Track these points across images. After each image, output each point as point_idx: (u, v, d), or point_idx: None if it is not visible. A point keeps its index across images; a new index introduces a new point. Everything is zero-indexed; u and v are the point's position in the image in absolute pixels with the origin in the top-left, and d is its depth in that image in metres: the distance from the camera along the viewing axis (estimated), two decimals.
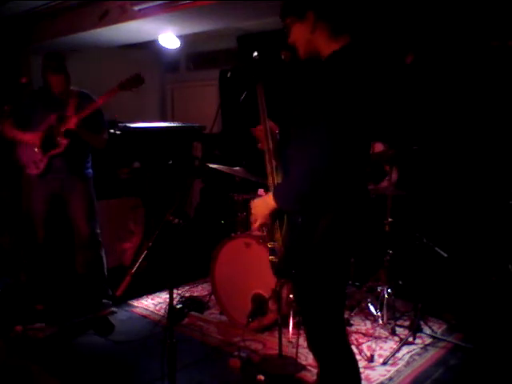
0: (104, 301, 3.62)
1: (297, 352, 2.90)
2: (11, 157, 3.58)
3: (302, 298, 1.94)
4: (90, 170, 3.61)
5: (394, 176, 3.54)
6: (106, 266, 3.65)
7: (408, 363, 2.98)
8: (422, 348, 3.16)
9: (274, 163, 2.00)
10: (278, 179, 1.98)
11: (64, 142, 3.33)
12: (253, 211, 1.93)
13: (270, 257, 1.91)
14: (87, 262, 3.57)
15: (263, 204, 1.89)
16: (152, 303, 3.95)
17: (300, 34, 1.86)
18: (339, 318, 1.94)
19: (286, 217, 1.88)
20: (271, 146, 2.01)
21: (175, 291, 3.92)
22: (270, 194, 1.86)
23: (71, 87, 3.49)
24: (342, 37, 1.82)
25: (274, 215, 1.88)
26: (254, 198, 3.88)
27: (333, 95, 1.68)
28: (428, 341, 3.25)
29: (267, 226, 1.92)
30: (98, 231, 3.61)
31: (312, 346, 1.97)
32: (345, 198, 1.78)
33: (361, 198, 1.85)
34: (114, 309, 3.64)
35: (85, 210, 3.51)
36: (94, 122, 3.43)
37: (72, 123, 3.26)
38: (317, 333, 1.92)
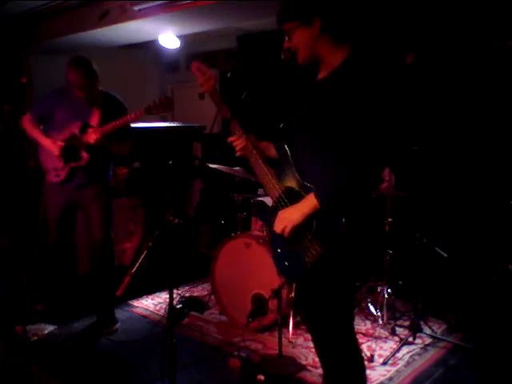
0: (115, 319, 3.53)
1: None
2: (10, 157, 3.57)
3: (312, 303, 1.91)
4: (111, 173, 3.52)
5: (393, 176, 3.54)
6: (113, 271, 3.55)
7: (408, 363, 2.98)
8: (421, 348, 3.16)
9: (268, 170, 2.00)
10: (281, 185, 1.95)
11: (86, 156, 3.23)
12: (281, 226, 1.86)
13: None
14: (97, 265, 3.47)
15: (295, 211, 1.83)
16: (152, 303, 3.95)
17: (303, 40, 1.86)
18: (350, 320, 1.95)
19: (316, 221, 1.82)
20: (257, 156, 2.04)
21: (175, 291, 3.92)
22: (307, 198, 1.81)
23: (99, 88, 3.32)
24: (344, 44, 1.85)
25: (308, 225, 1.83)
26: (254, 197, 3.90)
27: (367, 101, 1.72)
28: (428, 341, 3.25)
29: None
30: (113, 237, 3.51)
31: (321, 349, 1.96)
32: (357, 201, 1.80)
33: (369, 200, 1.88)
34: (117, 326, 3.51)
35: (102, 217, 3.41)
36: (121, 132, 3.28)
37: (93, 138, 3.13)
38: (328, 336, 1.91)
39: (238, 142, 2.11)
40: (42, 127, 3.40)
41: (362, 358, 1.99)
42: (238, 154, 2.14)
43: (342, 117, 1.76)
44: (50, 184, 3.39)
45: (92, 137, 3.14)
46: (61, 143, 3.25)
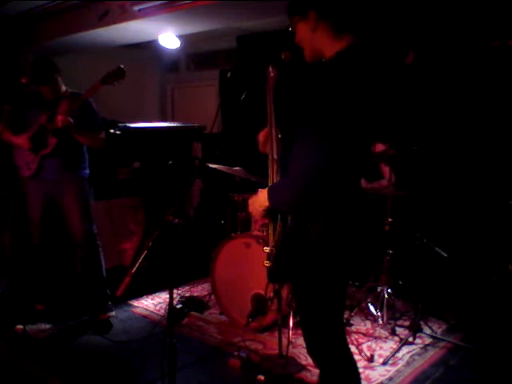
0: (109, 303, 3.59)
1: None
2: (10, 158, 3.57)
3: (300, 300, 1.92)
4: (86, 171, 3.55)
5: (394, 176, 3.54)
6: (104, 266, 3.61)
7: (408, 363, 2.98)
8: (422, 348, 3.16)
9: (275, 168, 2.00)
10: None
11: (52, 141, 3.30)
12: (249, 208, 1.93)
13: (266, 261, 1.90)
14: (83, 262, 3.53)
15: (256, 201, 1.88)
16: (152, 303, 3.95)
17: (303, 34, 1.87)
18: (338, 320, 1.93)
19: (279, 218, 1.86)
20: (275, 152, 2.01)
21: (175, 291, 3.92)
22: (264, 191, 1.84)
23: (65, 89, 3.44)
24: (345, 36, 1.82)
25: (272, 217, 1.86)
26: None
27: (337, 95, 1.67)
28: (428, 341, 3.25)
29: (267, 226, 1.91)
30: (95, 231, 3.56)
31: (311, 350, 1.95)
32: (341, 198, 1.77)
33: (357, 197, 1.84)
34: (113, 313, 3.61)
35: (79, 210, 3.45)
36: (87, 120, 3.37)
37: (59, 120, 3.19)
38: (316, 336, 1.90)
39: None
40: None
41: (353, 357, 1.96)
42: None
43: (309, 111, 1.75)
44: (24, 179, 3.46)
45: (58, 118, 3.19)
46: (28, 137, 3.33)
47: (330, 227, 1.76)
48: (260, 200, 1.86)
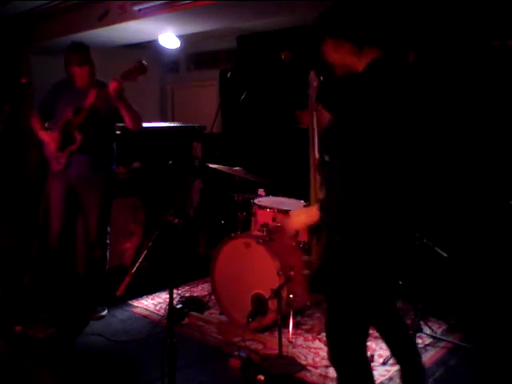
0: (98, 308, 3.62)
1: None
2: (10, 157, 3.58)
3: (332, 312, 1.98)
4: (114, 166, 3.53)
5: None
6: (106, 268, 3.63)
7: None
8: (422, 348, 3.15)
9: (317, 177, 2.08)
10: (321, 194, 2.02)
11: (79, 136, 3.26)
12: (293, 219, 2.01)
13: (305, 270, 1.95)
14: (91, 261, 3.54)
15: (305, 215, 1.96)
16: (152, 303, 3.95)
17: (329, 53, 1.96)
18: (364, 332, 1.98)
19: (324, 234, 1.93)
20: (316, 156, 2.11)
21: (175, 291, 3.92)
22: (314, 208, 1.89)
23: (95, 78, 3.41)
24: (368, 49, 1.87)
25: (314, 230, 1.96)
26: (254, 198, 3.90)
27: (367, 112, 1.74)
28: (428, 341, 3.25)
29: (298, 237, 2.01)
30: (108, 230, 3.56)
31: (334, 358, 2.00)
32: (383, 226, 1.82)
33: (398, 228, 1.88)
34: (105, 312, 3.64)
35: (99, 209, 3.44)
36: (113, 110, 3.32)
37: (111, 90, 3.13)
38: (341, 347, 1.95)
39: None
40: (47, 124, 3.46)
41: (370, 366, 2.02)
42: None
43: (348, 131, 1.79)
44: (53, 173, 3.45)
45: (111, 86, 3.12)
46: (56, 134, 3.31)
47: (365, 253, 1.82)
48: (310, 214, 1.92)
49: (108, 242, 3.59)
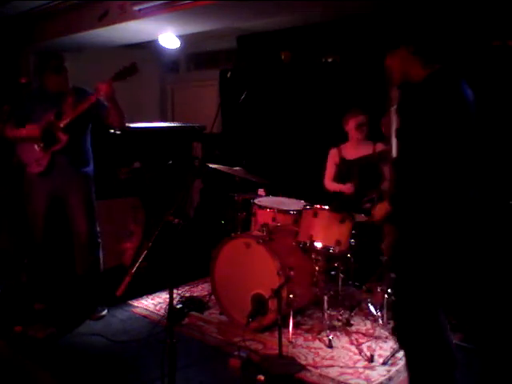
0: (98, 308, 3.62)
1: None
2: (11, 157, 3.57)
3: (400, 290, 2.27)
4: (92, 167, 3.57)
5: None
6: (102, 267, 3.64)
7: None
8: None
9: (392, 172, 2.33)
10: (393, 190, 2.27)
11: (64, 137, 3.30)
12: (379, 206, 2.31)
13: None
14: (85, 263, 3.55)
15: (383, 206, 2.26)
16: (152, 303, 3.95)
17: (398, 61, 2.16)
18: (431, 309, 2.25)
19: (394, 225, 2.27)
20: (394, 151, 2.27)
21: (175, 291, 3.92)
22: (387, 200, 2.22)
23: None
24: (434, 65, 2.10)
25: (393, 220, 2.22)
26: (254, 198, 3.90)
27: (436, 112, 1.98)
28: None
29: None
30: (98, 229, 3.59)
31: (401, 336, 2.30)
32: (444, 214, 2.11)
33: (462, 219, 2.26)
34: (104, 312, 3.64)
35: (84, 210, 3.48)
36: (99, 112, 3.40)
37: (102, 91, 3.21)
38: (408, 324, 2.22)
39: None
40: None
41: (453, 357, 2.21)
42: None
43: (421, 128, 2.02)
44: (31, 176, 3.45)
45: (100, 87, 3.20)
46: (36, 130, 3.34)
47: (428, 239, 2.16)
48: (385, 205, 2.23)
49: (99, 241, 3.61)
